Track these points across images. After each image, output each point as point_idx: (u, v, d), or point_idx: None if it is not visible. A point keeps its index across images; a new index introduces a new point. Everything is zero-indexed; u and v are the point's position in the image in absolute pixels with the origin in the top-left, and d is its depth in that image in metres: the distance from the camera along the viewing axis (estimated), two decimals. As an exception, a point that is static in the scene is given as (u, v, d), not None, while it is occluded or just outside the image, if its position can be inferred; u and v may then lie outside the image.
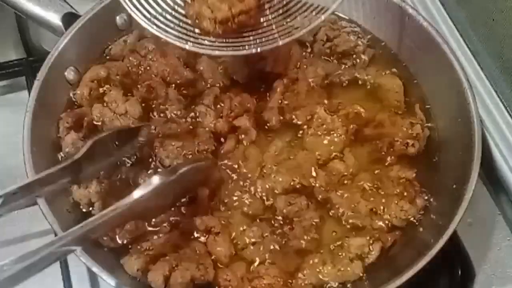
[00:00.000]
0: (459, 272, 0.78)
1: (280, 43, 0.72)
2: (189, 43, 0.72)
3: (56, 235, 0.73)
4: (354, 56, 0.90)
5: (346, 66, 0.89)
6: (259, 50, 0.72)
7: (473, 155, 0.75)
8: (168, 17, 0.73)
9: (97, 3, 0.86)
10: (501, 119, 0.88)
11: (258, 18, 0.75)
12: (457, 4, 0.97)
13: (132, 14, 0.72)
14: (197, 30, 0.73)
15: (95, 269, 0.67)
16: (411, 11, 0.87)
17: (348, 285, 0.73)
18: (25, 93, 0.90)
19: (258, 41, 0.73)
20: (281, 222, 0.76)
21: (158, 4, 0.73)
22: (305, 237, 0.75)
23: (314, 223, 0.76)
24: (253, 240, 0.74)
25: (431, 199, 0.78)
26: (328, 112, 0.83)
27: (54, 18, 0.86)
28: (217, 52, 0.73)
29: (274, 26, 0.74)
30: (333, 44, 0.90)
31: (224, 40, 0.73)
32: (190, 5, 0.73)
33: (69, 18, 0.86)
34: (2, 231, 0.83)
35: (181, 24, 0.74)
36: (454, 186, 0.75)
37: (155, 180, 0.66)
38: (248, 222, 0.76)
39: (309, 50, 0.90)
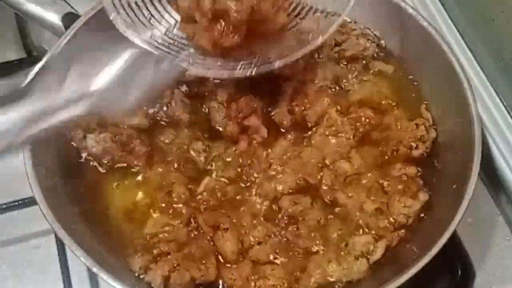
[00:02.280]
0: (459, 272, 0.78)
1: (276, 66, 0.73)
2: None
3: (56, 235, 0.74)
4: (363, 60, 0.90)
5: (355, 71, 0.89)
6: (253, 73, 0.72)
7: (473, 155, 0.75)
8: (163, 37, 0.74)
9: (97, 3, 0.86)
10: (501, 119, 0.88)
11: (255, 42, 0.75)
12: (457, 4, 0.97)
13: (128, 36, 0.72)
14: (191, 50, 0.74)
15: (95, 269, 0.67)
16: (411, 11, 0.87)
17: (353, 283, 0.73)
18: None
19: (253, 63, 0.73)
20: (286, 222, 0.76)
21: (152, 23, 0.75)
22: (311, 237, 0.75)
23: (319, 223, 0.76)
24: (258, 239, 0.75)
25: (431, 199, 0.78)
26: (339, 114, 0.83)
27: (54, 18, 0.86)
28: (210, 73, 0.74)
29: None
30: (341, 49, 0.90)
31: (218, 60, 0.73)
32: (187, 24, 0.73)
33: (69, 18, 0.86)
34: (2, 231, 0.83)
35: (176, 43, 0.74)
36: (454, 186, 0.75)
37: None
38: (254, 222, 0.76)
39: (318, 54, 0.90)
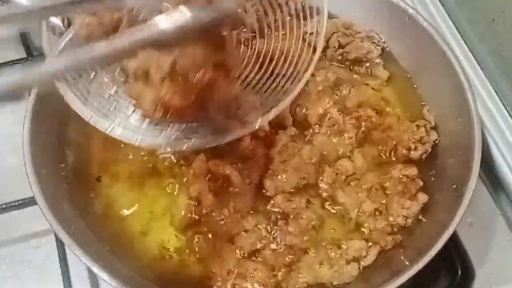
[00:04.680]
0: (459, 272, 0.78)
1: (211, 145, 0.68)
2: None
3: (56, 235, 0.74)
4: (367, 63, 0.90)
5: (358, 73, 0.89)
6: (184, 148, 0.68)
7: (473, 155, 0.75)
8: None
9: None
10: (501, 119, 0.88)
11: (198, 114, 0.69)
12: (457, 4, 0.97)
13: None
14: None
15: (95, 269, 0.67)
16: (411, 11, 0.87)
17: (345, 285, 0.73)
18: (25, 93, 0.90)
19: (196, 136, 0.69)
20: (278, 217, 0.77)
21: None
22: (300, 235, 0.75)
23: (311, 224, 0.76)
24: (245, 228, 0.75)
25: (431, 199, 0.78)
26: (341, 113, 0.83)
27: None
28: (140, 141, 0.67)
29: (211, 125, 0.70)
30: (344, 51, 0.90)
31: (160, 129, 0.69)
32: (132, 85, 0.68)
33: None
34: (2, 231, 0.82)
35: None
36: (454, 186, 0.75)
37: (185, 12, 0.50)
38: (245, 212, 0.77)
39: (321, 55, 0.90)
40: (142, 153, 0.82)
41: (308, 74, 0.72)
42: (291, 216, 0.76)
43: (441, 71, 0.84)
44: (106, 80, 0.72)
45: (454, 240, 0.78)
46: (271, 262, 0.74)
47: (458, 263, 0.79)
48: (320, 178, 0.79)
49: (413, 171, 0.79)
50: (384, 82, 0.89)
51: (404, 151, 0.81)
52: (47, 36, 0.73)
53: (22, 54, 1.00)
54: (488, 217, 0.86)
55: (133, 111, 0.70)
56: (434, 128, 0.84)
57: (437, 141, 0.83)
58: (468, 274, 0.79)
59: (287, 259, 0.74)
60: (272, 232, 0.75)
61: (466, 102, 0.79)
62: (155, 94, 0.65)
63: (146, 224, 0.77)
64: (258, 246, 0.74)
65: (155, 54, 0.63)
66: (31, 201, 0.77)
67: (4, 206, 0.80)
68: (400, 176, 0.79)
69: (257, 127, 0.70)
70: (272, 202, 0.77)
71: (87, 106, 0.68)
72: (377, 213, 0.77)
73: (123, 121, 0.69)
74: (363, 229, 0.76)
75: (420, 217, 0.77)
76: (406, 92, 0.88)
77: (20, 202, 0.80)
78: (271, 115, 0.70)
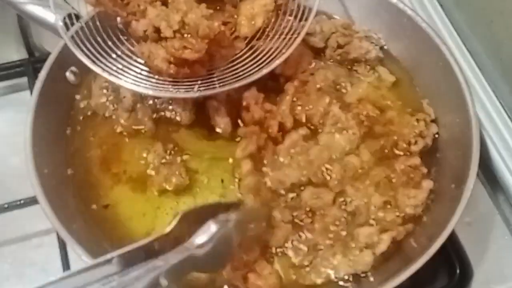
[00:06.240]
0: (458, 271, 0.78)
1: (218, 91, 0.76)
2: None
3: (57, 234, 0.74)
4: (366, 63, 0.91)
5: (357, 73, 0.90)
6: (196, 96, 0.75)
7: (471, 156, 0.75)
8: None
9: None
10: (499, 120, 0.88)
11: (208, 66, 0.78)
12: (455, 5, 0.97)
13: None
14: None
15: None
16: (409, 12, 0.88)
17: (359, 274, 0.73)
18: (27, 93, 0.91)
19: (200, 84, 0.76)
20: (304, 214, 0.77)
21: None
22: (324, 233, 0.75)
23: (337, 222, 0.76)
24: (272, 224, 0.75)
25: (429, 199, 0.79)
26: (342, 110, 0.84)
27: (55, 19, 0.86)
28: (158, 93, 0.76)
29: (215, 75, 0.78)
30: (344, 51, 0.90)
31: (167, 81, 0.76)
32: (143, 44, 0.75)
33: (71, 19, 0.86)
34: (2, 231, 0.83)
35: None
36: (453, 186, 0.76)
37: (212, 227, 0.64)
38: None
39: (321, 55, 0.91)
40: (144, 154, 0.82)
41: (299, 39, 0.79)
42: (317, 214, 0.76)
43: (440, 72, 0.84)
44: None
45: (452, 239, 0.78)
46: (287, 259, 0.74)
47: (457, 262, 0.79)
48: (329, 175, 0.80)
49: (415, 160, 0.80)
50: (389, 85, 0.89)
51: (405, 145, 0.82)
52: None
53: (24, 55, 1.00)
54: (486, 217, 0.86)
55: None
56: (434, 121, 0.84)
57: (436, 136, 0.84)
58: (467, 273, 0.79)
59: (302, 255, 0.74)
60: (298, 230, 0.76)
61: (464, 103, 0.80)
62: (167, 50, 0.72)
63: (149, 224, 0.77)
64: (282, 244, 0.75)
65: (164, 11, 0.74)
66: (33, 201, 0.77)
67: (6, 205, 0.81)
68: (403, 167, 0.80)
69: (263, 73, 0.77)
70: (299, 197, 0.78)
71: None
72: (387, 206, 0.77)
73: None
74: (373, 222, 0.76)
75: (419, 214, 0.77)
76: (405, 92, 0.88)
77: (22, 201, 0.80)
78: (271, 67, 0.77)
